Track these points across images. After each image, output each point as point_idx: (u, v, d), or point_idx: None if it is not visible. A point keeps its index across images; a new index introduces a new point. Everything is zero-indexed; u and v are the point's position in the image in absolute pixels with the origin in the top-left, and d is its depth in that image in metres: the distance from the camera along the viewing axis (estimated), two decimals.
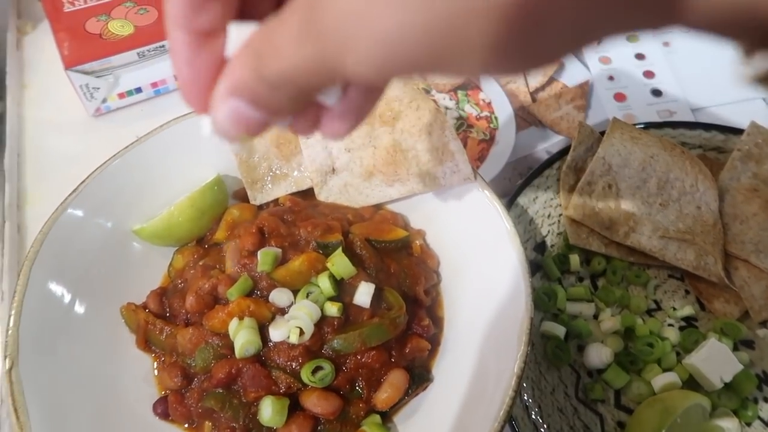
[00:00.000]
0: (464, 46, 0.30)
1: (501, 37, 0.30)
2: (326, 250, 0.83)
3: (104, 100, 1.13)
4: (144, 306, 0.86)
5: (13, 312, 0.76)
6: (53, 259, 0.82)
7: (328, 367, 0.76)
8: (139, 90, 1.15)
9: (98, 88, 1.10)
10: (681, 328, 0.93)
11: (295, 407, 0.76)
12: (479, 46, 0.31)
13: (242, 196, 0.97)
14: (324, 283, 0.78)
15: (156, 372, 0.84)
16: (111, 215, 0.89)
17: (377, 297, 0.80)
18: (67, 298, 0.82)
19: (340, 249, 0.82)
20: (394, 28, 0.30)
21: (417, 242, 0.90)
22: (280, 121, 0.41)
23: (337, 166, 0.94)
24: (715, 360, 0.84)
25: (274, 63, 0.35)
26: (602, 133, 1.04)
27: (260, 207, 0.96)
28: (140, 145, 0.91)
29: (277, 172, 0.96)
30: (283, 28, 0.34)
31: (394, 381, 0.78)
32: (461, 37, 0.30)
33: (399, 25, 0.29)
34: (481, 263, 0.86)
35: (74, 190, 0.86)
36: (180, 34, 0.40)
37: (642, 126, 1.06)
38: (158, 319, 0.84)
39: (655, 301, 0.96)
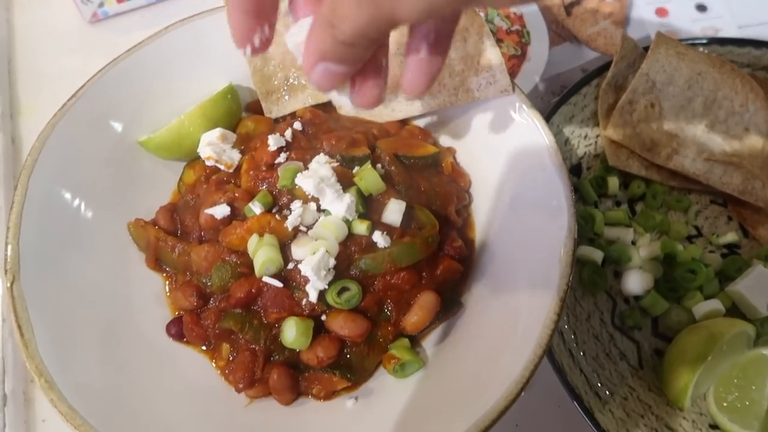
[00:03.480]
0: None
1: None
2: (352, 165, 0.76)
3: (101, 4, 1.03)
4: (154, 222, 0.80)
5: (11, 224, 0.70)
6: (54, 169, 0.75)
7: (354, 289, 0.70)
8: None
9: None
10: (723, 256, 0.88)
11: (319, 330, 0.71)
12: None
13: (256, 109, 0.89)
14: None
15: (168, 292, 0.79)
16: (115, 124, 0.81)
17: (407, 215, 0.74)
18: (71, 212, 0.76)
19: (368, 163, 0.76)
20: None
21: (448, 159, 0.84)
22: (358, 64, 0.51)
23: None
24: (762, 287, 0.80)
25: (346, 27, 0.44)
26: (645, 49, 0.96)
27: (276, 120, 0.88)
28: (145, 48, 0.83)
29: (295, 82, 0.88)
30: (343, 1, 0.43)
31: (425, 304, 0.73)
32: None
33: None
34: (517, 182, 0.79)
35: (73, 95, 0.78)
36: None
37: (687, 43, 0.98)
38: (170, 236, 0.78)
39: (696, 228, 0.91)
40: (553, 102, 0.94)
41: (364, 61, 0.50)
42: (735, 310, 0.82)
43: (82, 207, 0.77)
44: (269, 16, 0.53)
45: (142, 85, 0.83)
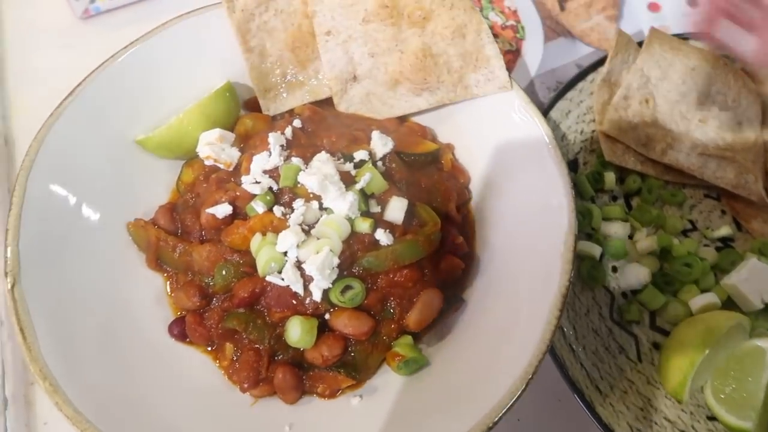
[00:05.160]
0: None
1: None
2: (354, 163, 0.76)
3: (93, 0, 1.02)
4: (153, 222, 0.79)
5: (10, 226, 0.69)
6: (52, 170, 0.74)
7: (358, 287, 0.70)
8: None
9: None
10: (717, 249, 0.89)
11: (323, 329, 0.71)
12: None
13: (253, 106, 0.88)
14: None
15: (169, 292, 0.78)
16: (112, 123, 0.80)
17: (409, 213, 0.74)
18: (70, 213, 0.75)
19: (370, 162, 0.76)
20: None
21: (447, 156, 0.84)
22: None
23: (358, 73, 0.86)
24: (756, 280, 0.81)
25: None
26: (639, 44, 0.97)
27: (274, 118, 0.88)
28: (141, 45, 0.82)
29: (292, 79, 0.88)
30: None
31: (428, 301, 0.73)
32: None
33: None
34: (517, 178, 0.80)
35: (70, 94, 0.77)
36: None
37: (681, 37, 0.99)
38: (170, 236, 0.77)
39: (691, 221, 0.92)
40: (549, 98, 0.94)
41: None
42: (730, 303, 0.83)
43: (81, 207, 0.76)
44: None
45: (139, 83, 0.82)
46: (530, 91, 1.03)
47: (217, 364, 0.74)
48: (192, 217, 0.78)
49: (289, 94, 0.88)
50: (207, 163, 0.80)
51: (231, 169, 0.79)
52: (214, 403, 0.71)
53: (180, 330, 0.74)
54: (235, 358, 0.73)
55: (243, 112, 0.89)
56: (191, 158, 0.83)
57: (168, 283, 0.79)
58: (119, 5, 1.05)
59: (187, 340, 0.75)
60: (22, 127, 0.94)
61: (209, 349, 0.75)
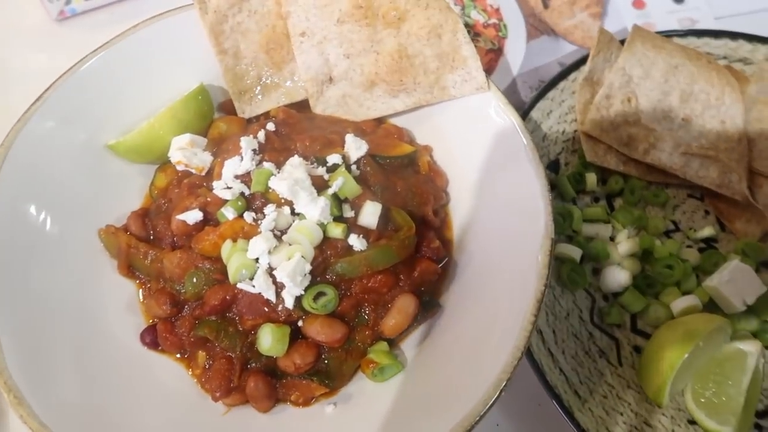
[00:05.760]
0: None
1: None
2: (327, 167, 0.75)
3: (68, 2, 1.00)
4: (125, 228, 0.78)
5: None
6: (19, 175, 0.73)
7: (331, 293, 0.69)
8: None
9: None
10: (700, 250, 0.88)
11: (296, 336, 0.70)
12: None
13: (229, 109, 0.87)
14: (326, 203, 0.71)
15: (141, 299, 0.77)
16: (83, 127, 0.79)
17: (384, 217, 0.73)
18: (38, 219, 0.74)
19: (343, 165, 0.74)
20: None
21: (424, 159, 0.83)
22: None
23: (334, 74, 0.84)
24: (739, 282, 0.80)
25: None
26: (622, 42, 0.95)
27: (249, 120, 0.86)
28: (113, 48, 0.80)
29: (268, 81, 0.86)
30: None
31: (403, 306, 0.72)
32: None
33: None
34: (494, 181, 0.79)
35: (39, 98, 0.76)
36: None
37: (664, 34, 0.98)
38: (142, 243, 0.76)
39: (674, 222, 0.91)
40: (530, 98, 0.93)
41: None
42: (712, 305, 0.82)
43: (50, 215, 0.75)
44: None
45: (110, 86, 0.81)
46: (512, 90, 1.02)
47: (190, 373, 0.73)
48: (164, 223, 0.77)
49: (264, 97, 0.86)
50: (179, 168, 0.79)
51: (203, 173, 0.78)
52: (187, 412, 0.70)
53: (152, 338, 0.73)
54: (207, 367, 0.71)
55: (218, 115, 0.88)
56: (164, 162, 0.82)
57: (141, 290, 0.77)
58: (95, 7, 1.04)
59: (159, 348, 0.73)
60: None
61: (181, 356, 0.73)
